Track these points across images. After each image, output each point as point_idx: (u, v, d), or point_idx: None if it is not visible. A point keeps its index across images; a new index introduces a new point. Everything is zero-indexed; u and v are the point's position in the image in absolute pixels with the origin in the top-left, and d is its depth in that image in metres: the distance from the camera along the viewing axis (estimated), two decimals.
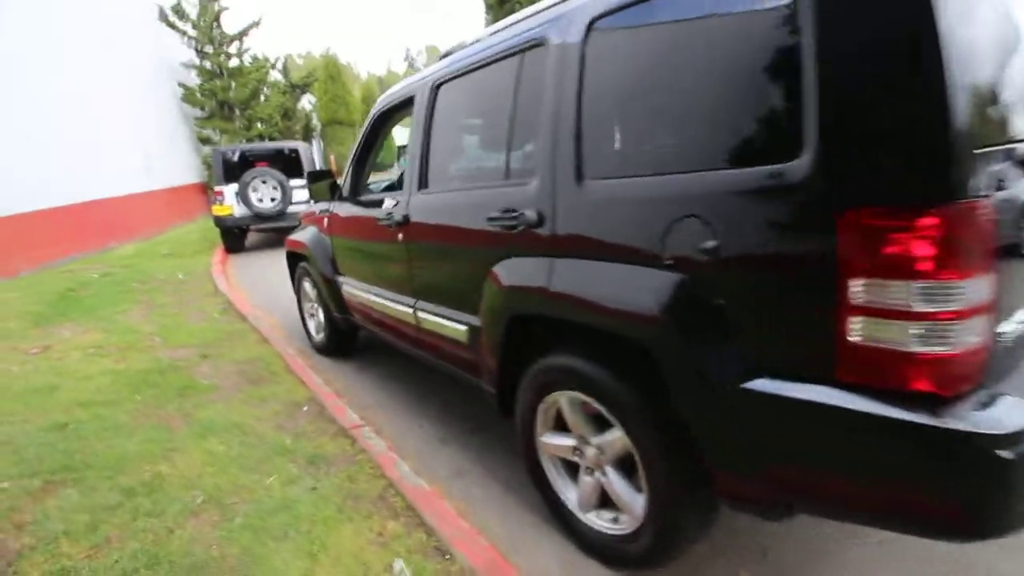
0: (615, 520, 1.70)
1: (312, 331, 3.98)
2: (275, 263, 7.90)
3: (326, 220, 3.30)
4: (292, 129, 21.08)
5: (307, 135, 22.64)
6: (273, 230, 9.59)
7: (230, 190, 8.52)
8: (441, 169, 2.23)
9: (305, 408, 2.88)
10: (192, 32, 14.46)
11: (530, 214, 1.65)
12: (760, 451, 1.22)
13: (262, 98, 16.51)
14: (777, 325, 1.16)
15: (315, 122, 26.96)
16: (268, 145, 10.11)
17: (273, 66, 17.98)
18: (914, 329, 0.98)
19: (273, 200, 8.65)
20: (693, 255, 1.24)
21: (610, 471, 1.67)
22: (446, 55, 2.27)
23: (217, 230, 8.96)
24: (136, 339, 4.36)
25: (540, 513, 1.98)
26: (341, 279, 3.26)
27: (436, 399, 3.01)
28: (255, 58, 16.80)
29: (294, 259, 3.98)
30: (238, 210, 8.57)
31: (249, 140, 14.51)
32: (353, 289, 3.08)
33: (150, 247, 9.81)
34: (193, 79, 14.83)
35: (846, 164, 1.01)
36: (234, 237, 8.95)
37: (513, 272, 1.77)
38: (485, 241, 1.89)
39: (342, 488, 2.15)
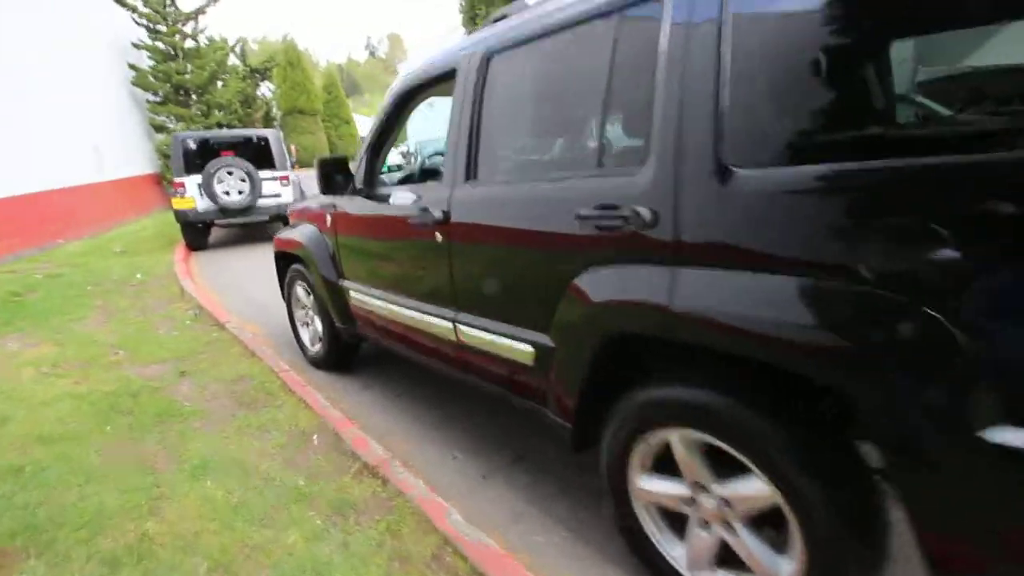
0: None
1: (306, 342, 3.55)
2: (246, 261, 7.30)
3: (329, 217, 2.88)
4: (252, 117, 19.99)
5: (267, 124, 21.55)
6: (240, 225, 8.93)
7: (192, 182, 7.83)
8: (497, 156, 1.88)
9: (316, 438, 2.47)
10: (143, 8, 13.34)
11: (643, 212, 1.32)
12: (994, 511, 0.95)
13: (219, 84, 15.48)
14: None
15: (274, 111, 25.71)
16: (234, 132, 9.37)
17: (232, 49, 16.94)
18: None
19: (241, 193, 7.99)
20: (920, 268, 0.95)
21: (739, 526, 1.37)
22: (499, 19, 1.91)
23: (177, 225, 8.26)
24: (97, 353, 3.80)
25: (626, 567, 1.68)
26: (347, 284, 2.85)
27: (461, 422, 2.66)
28: (212, 40, 15.73)
29: (285, 261, 3.53)
30: (201, 203, 7.89)
31: (207, 128, 13.55)
32: (364, 296, 2.68)
33: (101, 244, 8.97)
34: (145, 61, 13.72)
35: None
36: (197, 233, 8.26)
37: (610, 284, 1.45)
38: (566, 245, 1.56)
39: (383, 545, 1.78)
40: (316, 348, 3.46)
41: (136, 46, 13.46)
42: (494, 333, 1.90)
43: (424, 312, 2.25)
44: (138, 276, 6.54)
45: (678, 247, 1.29)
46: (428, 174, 2.91)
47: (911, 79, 1.14)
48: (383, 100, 2.44)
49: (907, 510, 1.05)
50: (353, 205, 2.63)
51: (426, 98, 2.35)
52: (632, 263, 1.39)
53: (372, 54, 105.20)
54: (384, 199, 2.40)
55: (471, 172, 1.90)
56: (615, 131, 1.50)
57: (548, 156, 1.80)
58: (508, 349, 1.86)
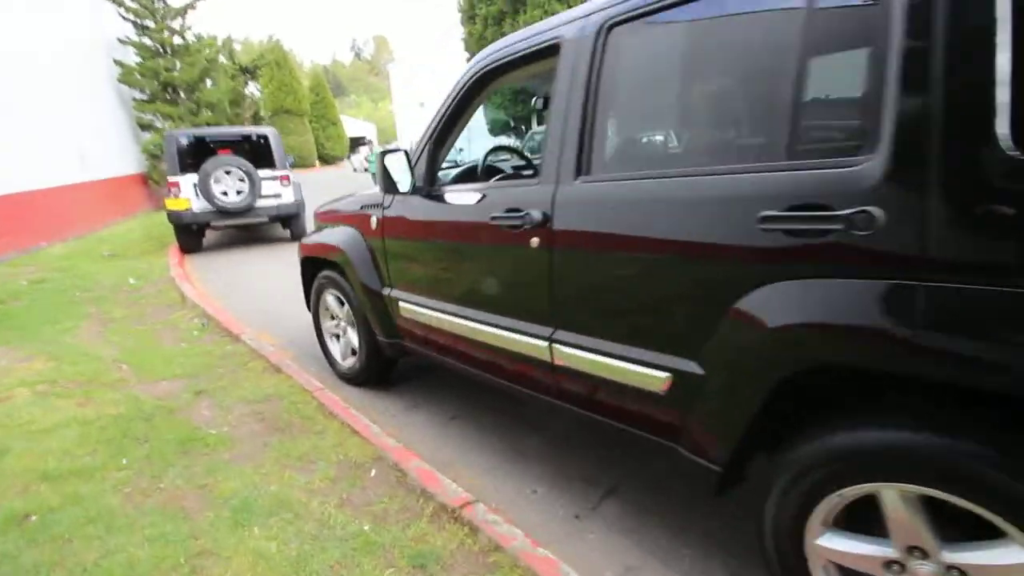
0: None
1: (336, 356, 3.21)
2: (248, 265, 6.89)
3: (375, 220, 2.56)
4: (241, 117, 19.47)
5: (256, 125, 20.98)
6: (238, 227, 8.51)
7: (187, 181, 7.41)
8: (622, 146, 1.59)
9: (373, 472, 2.15)
10: (130, 3, 12.80)
11: (873, 213, 1.04)
12: None
13: (209, 82, 14.95)
14: None
15: (261, 112, 25.12)
16: (232, 130, 8.93)
17: (222, 47, 16.43)
18: None
19: (240, 193, 7.59)
20: None
21: None
22: None
23: (169, 227, 7.82)
24: (98, 368, 3.42)
25: None
26: (396, 294, 2.53)
27: (531, 448, 2.36)
28: (200, 37, 15.21)
29: (313, 267, 3.19)
30: (197, 204, 7.47)
31: (196, 126, 13.04)
32: (419, 308, 2.36)
33: (87, 247, 8.47)
34: (132, 57, 13.16)
35: None
36: (192, 235, 7.83)
37: (807, 304, 1.16)
38: (734, 254, 1.27)
39: None
40: (349, 362, 3.12)
41: (123, 42, 12.90)
42: (610, 356, 1.60)
43: (505, 328, 1.94)
44: (131, 281, 6.11)
45: (925, 259, 1.01)
46: (485, 171, 2.61)
47: None
48: (453, 85, 2.13)
49: None
50: (409, 206, 2.31)
51: (509, 81, 2.05)
52: (843, 277, 1.11)
53: (357, 56, 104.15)
54: (450, 200, 2.10)
55: (583, 166, 1.60)
56: (815, 111, 1.21)
57: (702, 145, 1.51)
58: (630, 375, 1.57)
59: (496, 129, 14.40)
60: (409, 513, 1.89)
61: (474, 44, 13.89)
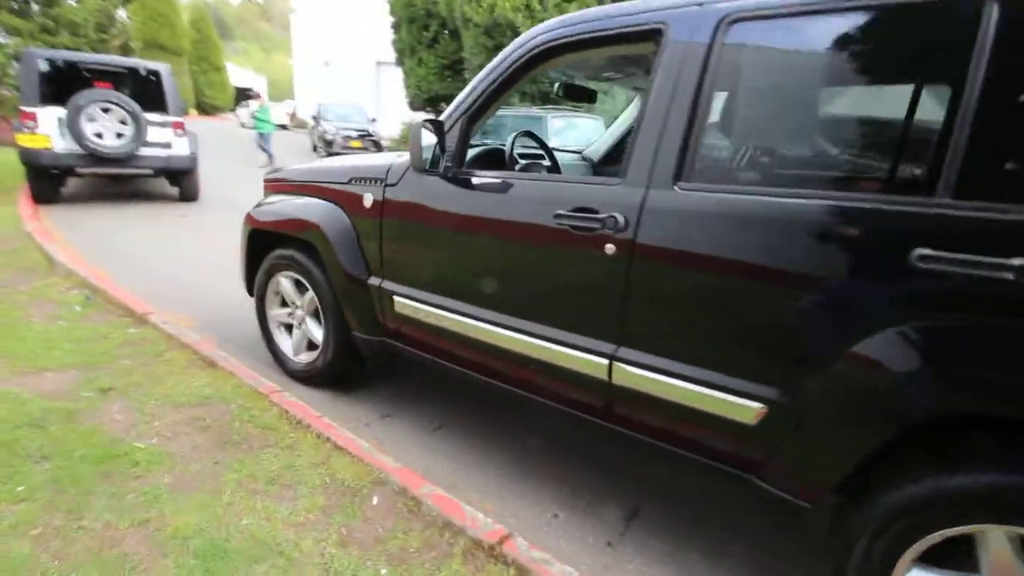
0: None
1: (287, 350, 2.74)
2: (129, 226, 5.77)
3: (369, 197, 2.18)
4: (108, 46, 16.42)
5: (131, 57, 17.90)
6: (110, 177, 7.12)
7: (48, 114, 6.03)
8: (741, 155, 1.44)
9: (375, 500, 1.81)
10: None
11: None
12: None
13: None
14: None
15: (131, 43, 21.43)
16: (115, 59, 7.38)
17: None
18: None
19: (120, 137, 6.36)
20: None
21: None
22: None
23: (17, 169, 6.32)
24: None
25: None
26: (389, 286, 2.18)
27: (536, 464, 2.17)
28: None
29: (264, 242, 2.67)
30: (60, 143, 6.13)
31: (52, 48, 10.67)
32: (426, 306, 2.05)
33: None
34: None
35: None
36: (49, 181, 6.43)
37: (953, 354, 1.12)
38: (872, 294, 1.20)
39: None
40: (304, 358, 2.68)
41: None
42: (691, 381, 1.48)
43: (551, 340, 1.73)
44: None
45: None
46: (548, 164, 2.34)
47: None
48: (502, 54, 1.83)
49: None
50: (429, 188, 1.98)
51: (571, 61, 1.81)
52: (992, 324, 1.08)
53: None
54: (495, 189, 1.81)
55: (684, 171, 1.44)
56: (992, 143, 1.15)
57: (839, 168, 1.40)
58: (713, 402, 1.45)
59: (416, 104, 13.66)
60: (435, 552, 1.61)
61: (400, 7, 13.00)
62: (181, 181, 7.03)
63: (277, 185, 2.75)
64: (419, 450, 2.23)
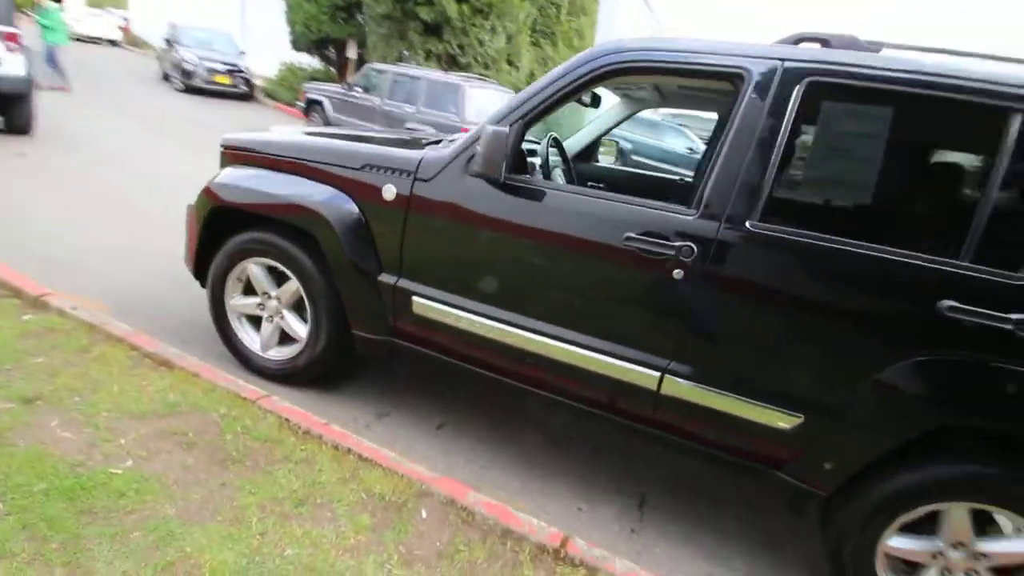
0: None
1: (254, 345, 2.45)
2: None
3: (391, 189, 2.01)
4: None
5: None
6: None
7: None
8: (813, 202, 1.62)
9: (424, 513, 1.76)
10: None
11: None
12: None
13: None
14: None
15: None
16: None
17: None
18: None
19: None
20: None
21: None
22: (799, 40, 1.63)
23: None
24: None
25: None
26: (409, 285, 2.07)
27: (546, 459, 2.28)
28: None
29: (231, 221, 2.32)
30: None
31: None
32: (456, 310, 1.99)
33: None
34: None
35: None
36: None
37: (953, 381, 1.47)
38: (907, 331, 1.50)
39: None
40: (278, 354, 2.42)
41: None
42: (738, 395, 1.69)
43: (600, 351, 1.82)
44: None
45: None
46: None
47: None
48: (569, 65, 1.78)
49: None
50: (476, 191, 1.88)
51: (638, 79, 1.83)
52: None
53: None
54: (556, 203, 1.82)
55: (757, 211, 1.60)
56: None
57: (894, 222, 1.65)
58: (756, 412, 1.69)
59: (301, 45, 12.21)
60: (503, 561, 1.65)
61: None
62: (12, 109, 5.52)
63: (246, 156, 2.37)
64: (431, 451, 2.20)
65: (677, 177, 3.39)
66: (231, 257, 2.35)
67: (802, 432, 1.66)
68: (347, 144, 2.22)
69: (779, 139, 1.58)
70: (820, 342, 1.62)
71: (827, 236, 1.57)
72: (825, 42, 1.63)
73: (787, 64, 1.58)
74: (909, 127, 1.63)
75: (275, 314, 2.39)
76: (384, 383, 2.62)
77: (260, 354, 2.44)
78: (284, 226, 2.24)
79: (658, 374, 1.77)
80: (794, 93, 1.57)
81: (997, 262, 1.44)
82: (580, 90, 1.81)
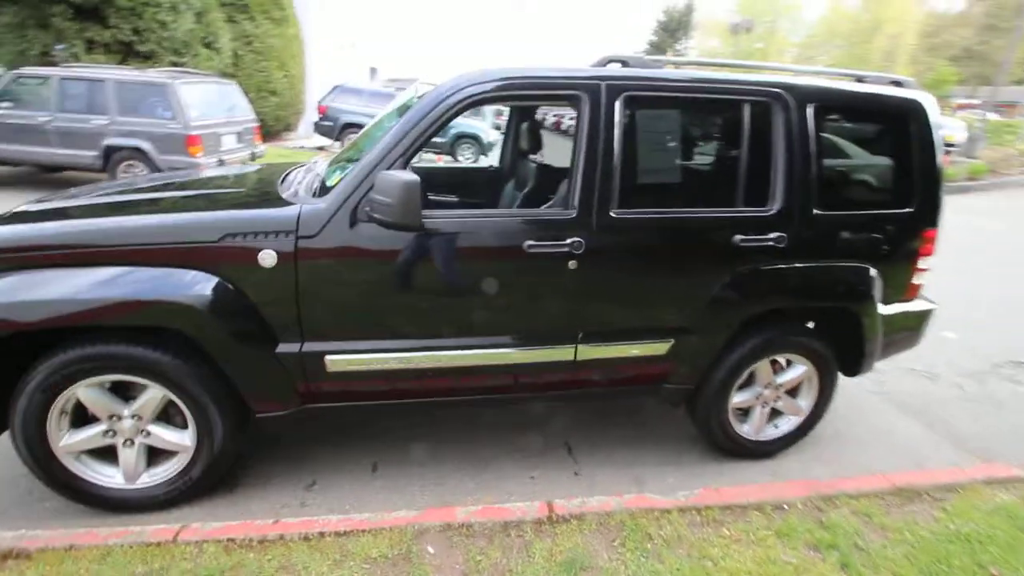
0: None
1: (115, 481, 1.99)
2: None
3: (269, 253, 1.83)
4: None
5: None
6: None
7: None
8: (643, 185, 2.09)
9: (431, 549, 1.82)
10: None
11: None
12: None
13: None
14: None
15: None
16: None
17: None
18: None
19: None
20: None
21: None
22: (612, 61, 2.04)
23: None
24: None
25: None
26: (318, 347, 1.96)
27: (463, 450, 2.51)
28: None
29: (32, 344, 1.78)
30: None
31: None
32: (387, 354, 2.00)
33: None
34: None
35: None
36: None
37: None
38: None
39: None
40: (151, 479, 2.02)
41: None
42: (632, 341, 2.20)
43: (528, 345, 2.10)
44: None
45: None
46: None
47: None
48: (431, 101, 1.83)
49: None
50: (374, 235, 1.84)
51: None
52: None
53: None
54: (463, 228, 1.96)
55: (617, 200, 2.03)
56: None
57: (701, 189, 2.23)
58: (646, 348, 2.23)
59: None
60: (516, 548, 1.87)
61: None
62: None
63: (27, 256, 1.78)
64: (385, 493, 2.20)
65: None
66: (49, 390, 1.80)
67: (674, 350, 2.26)
68: (193, 216, 1.89)
69: (615, 142, 2.01)
70: (674, 284, 2.21)
71: (663, 209, 2.12)
72: (625, 62, 2.11)
73: (607, 83, 2.00)
74: (692, 119, 2.27)
75: (134, 435, 1.96)
76: (281, 455, 2.40)
77: (127, 487, 1.99)
78: (121, 330, 1.82)
79: (573, 346, 2.15)
80: (617, 105, 2.01)
81: (756, 203, 2.19)
82: (450, 120, 1.93)
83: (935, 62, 29.19)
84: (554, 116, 3.18)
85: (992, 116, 16.13)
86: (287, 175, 2.39)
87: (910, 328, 2.60)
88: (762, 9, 38.10)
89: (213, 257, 1.83)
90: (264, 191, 2.27)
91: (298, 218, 1.85)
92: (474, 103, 1.92)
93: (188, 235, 1.82)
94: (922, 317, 2.60)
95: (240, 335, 1.88)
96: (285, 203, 1.94)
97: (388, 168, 1.84)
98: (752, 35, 35.62)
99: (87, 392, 1.86)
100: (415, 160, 1.99)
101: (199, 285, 1.81)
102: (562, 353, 2.15)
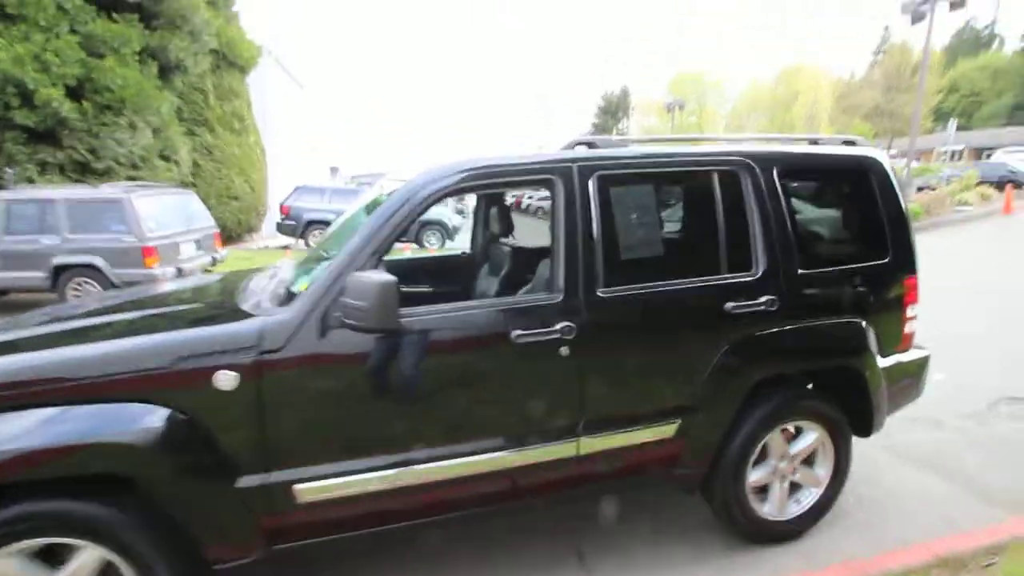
0: None
1: None
2: None
3: (231, 376, 1.62)
4: None
5: None
6: None
7: None
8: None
9: None
10: None
11: None
12: None
13: None
14: None
15: None
16: None
17: None
18: None
19: None
20: None
21: None
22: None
23: None
24: None
25: None
26: (288, 475, 1.71)
27: (505, 553, 2.20)
28: None
29: None
30: None
31: None
32: (371, 474, 1.76)
33: None
34: None
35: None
36: None
37: None
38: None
39: None
40: None
41: None
42: (636, 427, 2.02)
43: (524, 445, 1.90)
44: None
45: None
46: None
47: None
48: (403, 196, 1.75)
49: None
50: (351, 341, 1.68)
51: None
52: None
53: None
54: (447, 323, 1.81)
55: (603, 280, 1.94)
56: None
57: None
58: (652, 433, 2.06)
59: None
60: None
61: None
62: None
63: None
64: None
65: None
66: None
67: (681, 430, 2.09)
68: (130, 342, 1.68)
69: (593, 222, 1.96)
70: (673, 360, 2.09)
71: (650, 284, 2.04)
72: (592, 144, 2.11)
73: (579, 165, 1.98)
74: (665, 192, 2.26)
75: None
76: None
77: None
78: (43, 485, 1.55)
79: (575, 440, 1.96)
80: (590, 186, 1.97)
81: (740, 269, 2.14)
82: (422, 214, 1.85)
83: (851, 121, 32.38)
84: (512, 196, 3.18)
85: (913, 163, 17.64)
86: (249, 283, 2.23)
87: (911, 376, 2.53)
88: (691, 88, 42.08)
89: (161, 384, 1.61)
90: (222, 304, 2.09)
91: (260, 332, 1.67)
92: (446, 195, 1.86)
93: (134, 363, 1.61)
94: (921, 365, 2.54)
95: (194, 471, 1.62)
96: (245, 315, 1.77)
97: (359, 269, 1.71)
98: (686, 111, 39.01)
99: (8, 565, 1.53)
100: None
101: (145, 418, 1.57)
102: (564, 449, 1.96)
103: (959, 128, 29.13)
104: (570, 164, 1.97)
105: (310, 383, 1.70)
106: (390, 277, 1.58)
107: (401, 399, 1.80)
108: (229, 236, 12.39)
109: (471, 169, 1.88)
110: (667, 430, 2.07)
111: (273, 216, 13.42)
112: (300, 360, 1.68)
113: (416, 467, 1.80)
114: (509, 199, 3.21)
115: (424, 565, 2.23)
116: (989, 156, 27.60)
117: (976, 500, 2.62)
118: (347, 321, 1.63)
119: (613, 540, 2.39)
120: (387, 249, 1.79)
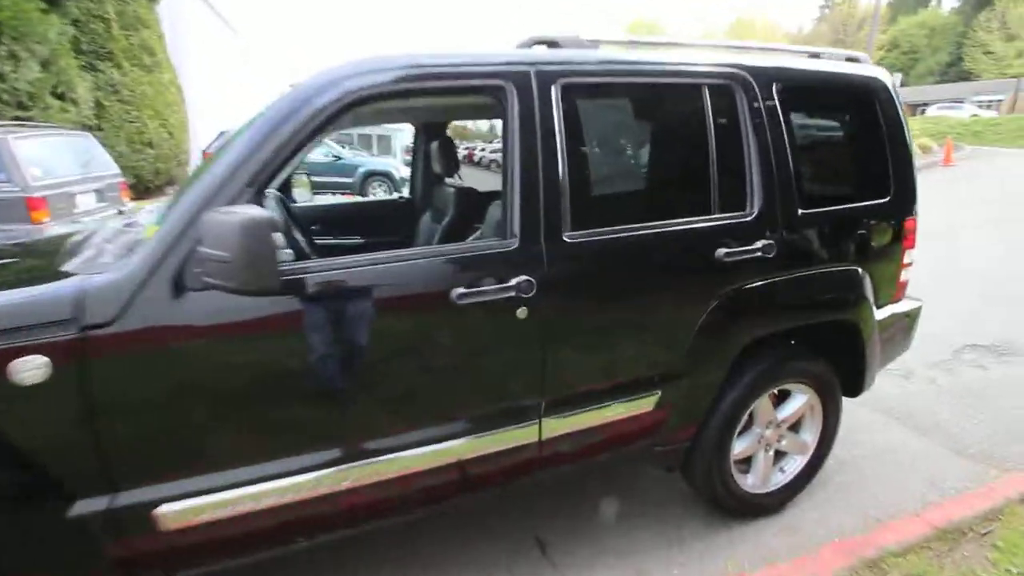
0: None
1: None
2: None
3: (41, 363, 1.10)
4: None
5: None
6: None
7: None
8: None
9: None
10: None
11: None
12: None
13: None
14: None
15: None
16: None
17: None
18: None
19: None
20: None
21: None
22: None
23: None
24: None
25: None
26: (148, 495, 1.25)
27: (458, 545, 1.84)
28: None
29: None
30: None
31: None
32: (260, 485, 1.32)
33: None
34: None
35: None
36: None
37: None
38: None
39: None
40: None
41: None
42: (609, 401, 1.66)
43: (472, 432, 1.49)
44: None
45: None
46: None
47: None
48: (294, 102, 1.21)
49: None
50: (219, 305, 1.19)
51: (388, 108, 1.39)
52: None
53: None
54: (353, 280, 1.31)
55: (570, 221, 1.50)
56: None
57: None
58: (627, 407, 1.70)
59: None
60: None
61: None
62: None
63: None
64: None
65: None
66: None
67: (662, 402, 1.74)
68: None
69: (558, 145, 1.50)
70: (653, 320, 1.71)
71: (628, 226, 1.61)
72: (554, 43, 1.60)
73: (538, 69, 1.49)
74: (645, 110, 1.80)
75: None
76: None
77: None
78: None
79: (536, 422, 1.57)
80: (553, 97, 1.49)
81: (733, 208, 1.75)
82: (323, 130, 1.32)
83: None
84: (465, 148, 2.68)
85: None
86: (94, 234, 1.65)
87: (904, 329, 2.28)
88: (648, 34, 41.30)
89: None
90: (46, 264, 1.49)
91: (78, 298, 1.14)
92: (360, 102, 1.32)
93: None
94: (914, 316, 2.30)
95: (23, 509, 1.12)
96: (62, 276, 1.23)
97: (222, 205, 1.19)
98: None
99: None
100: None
101: None
102: (522, 434, 1.56)
103: None
104: (527, 68, 1.48)
105: (162, 368, 1.20)
106: (261, 212, 1.08)
107: (299, 384, 1.33)
108: (147, 188, 11.07)
109: (399, 66, 1.36)
110: (645, 403, 1.72)
111: (197, 164, 12.09)
112: (143, 336, 1.17)
113: (326, 471, 1.36)
114: (462, 151, 2.68)
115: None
116: (923, 111, 28.60)
117: (955, 456, 2.48)
118: (208, 280, 1.13)
119: (579, 526, 2.06)
120: (268, 178, 1.27)
